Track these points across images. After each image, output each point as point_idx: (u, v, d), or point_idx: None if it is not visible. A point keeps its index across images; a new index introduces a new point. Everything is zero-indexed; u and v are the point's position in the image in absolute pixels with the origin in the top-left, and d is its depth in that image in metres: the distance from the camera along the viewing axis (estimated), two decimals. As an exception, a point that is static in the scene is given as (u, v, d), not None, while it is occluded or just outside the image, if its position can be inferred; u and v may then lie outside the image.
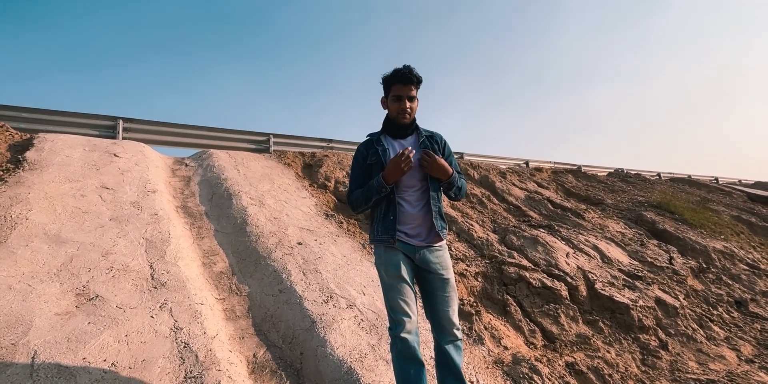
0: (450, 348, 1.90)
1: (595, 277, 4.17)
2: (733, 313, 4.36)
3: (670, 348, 3.39)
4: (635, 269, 4.72)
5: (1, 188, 3.52)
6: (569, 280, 3.99)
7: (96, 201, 3.73)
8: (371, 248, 4.12)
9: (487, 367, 2.70)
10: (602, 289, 3.96)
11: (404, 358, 1.79)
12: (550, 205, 7.02)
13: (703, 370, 3.13)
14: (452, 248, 4.50)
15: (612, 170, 13.60)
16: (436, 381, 1.97)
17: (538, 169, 10.21)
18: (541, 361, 2.87)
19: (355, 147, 8.83)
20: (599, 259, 4.81)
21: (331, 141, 8.32)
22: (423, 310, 2.04)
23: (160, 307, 2.55)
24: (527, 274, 3.92)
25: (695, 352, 3.42)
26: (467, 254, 4.44)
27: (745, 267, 5.74)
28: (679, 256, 5.54)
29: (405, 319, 1.81)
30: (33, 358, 1.97)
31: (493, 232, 5.29)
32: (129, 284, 2.71)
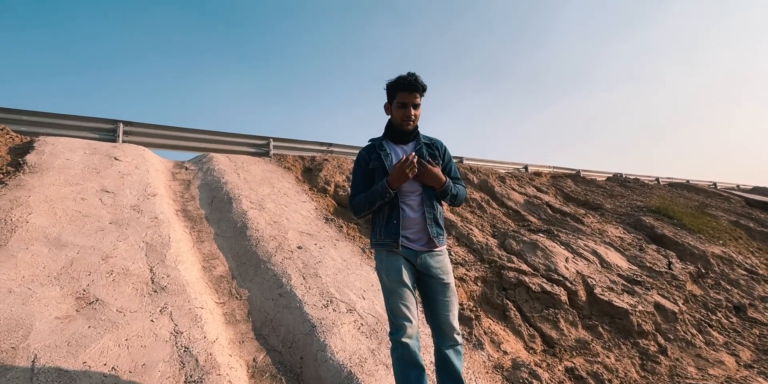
0: (450, 353, 1.90)
1: (594, 282, 4.17)
2: (731, 318, 4.37)
3: (669, 353, 3.39)
4: (634, 274, 4.73)
5: (2, 191, 3.52)
6: (568, 284, 3.99)
7: (96, 204, 3.73)
8: (371, 252, 4.12)
9: (487, 372, 2.70)
10: (601, 294, 3.96)
11: (405, 363, 1.80)
12: (549, 210, 7.04)
13: (702, 376, 3.13)
14: (452, 253, 4.51)
15: (611, 175, 13.64)
16: (436, 386, 1.97)
17: (537, 174, 10.24)
18: (540, 366, 2.87)
19: (355, 151, 8.85)
20: (598, 264, 4.82)
21: (331, 145, 8.34)
22: (423, 315, 2.04)
23: (160, 311, 2.55)
24: (527, 279, 3.93)
25: (694, 358, 3.43)
26: (467, 259, 4.44)
27: (744, 272, 5.75)
28: (678, 261, 5.55)
29: (406, 323, 1.81)
30: (33, 362, 1.97)
31: (492, 236, 5.30)
32: (129, 288, 2.71)
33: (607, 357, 3.19)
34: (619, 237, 6.14)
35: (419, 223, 1.95)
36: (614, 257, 5.16)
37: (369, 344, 2.62)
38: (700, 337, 3.78)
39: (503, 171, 10.04)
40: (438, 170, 1.94)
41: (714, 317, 4.27)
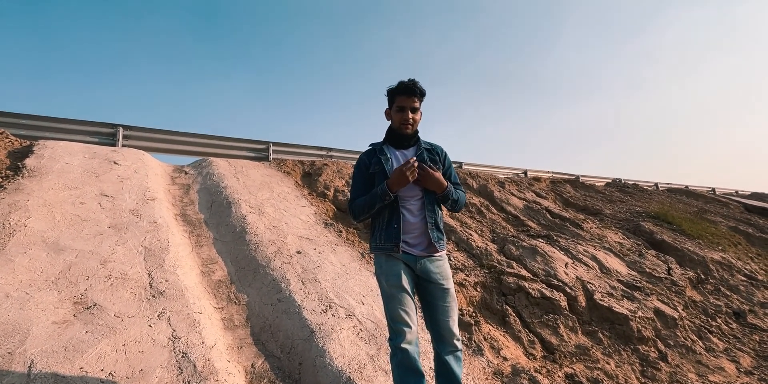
0: (450, 359, 1.89)
1: (593, 288, 4.16)
2: (731, 324, 4.35)
3: (669, 359, 3.38)
4: (634, 280, 4.72)
5: (0, 195, 3.51)
6: (568, 290, 3.98)
7: (95, 208, 3.72)
8: (370, 257, 4.11)
9: (487, 378, 2.68)
10: (601, 300, 3.95)
11: (404, 369, 1.79)
12: (548, 215, 7.04)
13: (702, 382, 3.12)
14: (451, 258, 4.50)
15: (610, 180, 13.66)
16: (436, 392, 1.96)
17: (537, 179, 10.25)
18: (540, 373, 2.85)
19: (355, 156, 8.86)
20: (598, 270, 4.82)
21: (330, 149, 8.35)
22: (423, 321, 2.04)
23: (158, 316, 2.53)
24: (526, 284, 3.92)
25: (694, 364, 3.41)
26: (466, 264, 4.43)
27: (743, 278, 5.75)
28: (678, 266, 5.54)
29: (405, 329, 1.81)
30: (30, 367, 1.95)
31: (492, 241, 5.29)
32: (127, 293, 2.70)
33: (608, 363, 3.17)
34: (619, 242, 6.14)
35: (419, 227, 1.95)
36: (614, 263, 5.15)
37: (368, 350, 2.61)
38: (700, 344, 3.76)
39: (502, 176, 10.06)
40: (439, 175, 1.95)
41: (714, 323, 4.25)
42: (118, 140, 6.03)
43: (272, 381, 2.34)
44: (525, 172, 11.87)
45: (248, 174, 5.82)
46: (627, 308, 3.89)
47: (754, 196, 16.53)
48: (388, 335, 1.91)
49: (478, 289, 3.83)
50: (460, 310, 3.38)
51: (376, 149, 2.08)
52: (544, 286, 4.00)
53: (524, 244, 5.03)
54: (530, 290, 3.84)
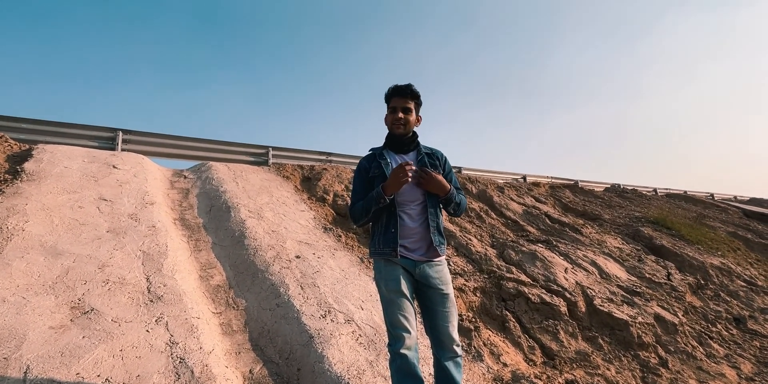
0: (450, 365, 1.88)
1: (593, 293, 4.15)
2: (732, 330, 4.34)
3: (670, 365, 3.36)
4: (633, 285, 4.71)
5: (-1, 199, 3.50)
6: (568, 295, 3.97)
7: (93, 213, 3.71)
8: (370, 262, 4.10)
9: (487, 385, 2.66)
10: (601, 305, 3.94)
11: (403, 375, 1.77)
12: (548, 220, 7.04)
13: (703, 389, 3.10)
14: (451, 263, 4.48)
15: (608, 185, 13.67)
16: (435, 398, 1.94)
17: (536, 184, 10.26)
18: (540, 379, 2.83)
19: (355, 161, 8.86)
20: (597, 275, 4.80)
21: (330, 154, 8.35)
22: (422, 326, 2.03)
23: (156, 321, 2.52)
24: (526, 290, 3.91)
25: (695, 370, 3.39)
26: (466, 269, 4.42)
27: (743, 283, 5.74)
28: (677, 272, 5.53)
29: (404, 334, 1.79)
30: (25, 373, 1.93)
31: (491, 246, 5.28)
32: (125, 297, 2.68)
33: (608, 369, 3.15)
34: (618, 248, 6.13)
35: (418, 232, 1.95)
36: (613, 268, 5.14)
37: (367, 356, 2.59)
38: (701, 349, 3.74)
39: (502, 181, 10.06)
40: (442, 178, 1.96)
41: (714, 329, 4.24)
42: (118, 144, 6.03)
43: (270, 387, 2.32)
44: (524, 177, 11.88)
45: (247, 178, 5.81)
46: (627, 314, 3.87)
47: (753, 201, 16.56)
48: (387, 341, 1.90)
49: (478, 295, 3.82)
50: (460, 315, 3.36)
51: (376, 154, 2.08)
52: (543, 291, 3.99)
53: (524, 249, 5.02)
54: (530, 295, 3.83)
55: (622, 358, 3.36)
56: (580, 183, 12.55)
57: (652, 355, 3.47)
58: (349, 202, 2.53)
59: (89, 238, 3.30)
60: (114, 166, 4.87)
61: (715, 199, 15.87)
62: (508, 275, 4.20)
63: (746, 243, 8.27)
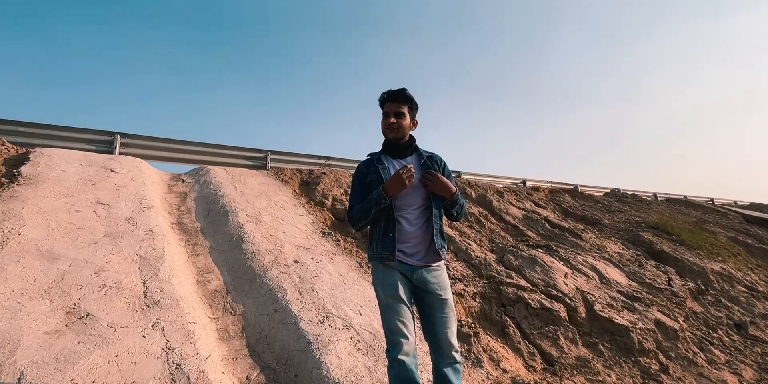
0: (449, 371, 1.85)
1: (593, 299, 4.12)
2: (733, 336, 4.31)
3: (671, 372, 3.33)
4: (634, 290, 4.68)
5: (-5, 203, 3.48)
6: (568, 301, 3.94)
7: (90, 217, 3.69)
8: (368, 267, 4.07)
9: (486, 391, 2.64)
10: (601, 311, 3.91)
11: (402, 381, 1.75)
12: (547, 225, 7.01)
13: (705, 396, 3.07)
14: (450, 268, 4.46)
15: (608, 190, 13.67)
16: (434, 406, 1.91)
17: (535, 189, 10.25)
18: (540, 385, 2.81)
19: (353, 165, 8.83)
20: (598, 280, 4.78)
21: (329, 158, 8.34)
22: (421, 332, 2.00)
23: (152, 326, 2.49)
24: (526, 295, 3.88)
25: (696, 377, 3.36)
26: (465, 274, 4.39)
27: (744, 289, 5.71)
28: (678, 277, 5.51)
29: (403, 340, 1.77)
30: (19, 379, 1.91)
31: (491, 251, 5.26)
32: (121, 302, 2.66)
33: (608, 376, 3.12)
34: (618, 253, 6.11)
35: (417, 236, 1.93)
36: (613, 273, 5.11)
37: (365, 361, 2.56)
38: (702, 356, 3.71)
39: (501, 185, 10.05)
40: (447, 180, 1.95)
41: (715, 335, 4.21)
42: (116, 148, 6.01)
43: (267, 393, 2.29)
44: (524, 182, 11.87)
45: (246, 182, 5.79)
46: (627, 319, 3.85)
47: (753, 206, 16.56)
48: (385, 346, 1.87)
49: (477, 300, 3.79)
50: (459, 320, 3.34)
51: (373, 159, 2.08)
52: (543, 296, 3.96)
53: (523, 254, 5.00)
54: (530, 301, 3.80)
55: (623, 365, 3.33)
56: (579, 187, 12.54)
57: (653, 361, 3.44)
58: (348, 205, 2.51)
59: (86, 242, 3.28)
60: (111, 170, 4.85)
61: (715, 204, 15.88)
62: (507, 280, 4.18)
63: (747, 248, 8.26)
